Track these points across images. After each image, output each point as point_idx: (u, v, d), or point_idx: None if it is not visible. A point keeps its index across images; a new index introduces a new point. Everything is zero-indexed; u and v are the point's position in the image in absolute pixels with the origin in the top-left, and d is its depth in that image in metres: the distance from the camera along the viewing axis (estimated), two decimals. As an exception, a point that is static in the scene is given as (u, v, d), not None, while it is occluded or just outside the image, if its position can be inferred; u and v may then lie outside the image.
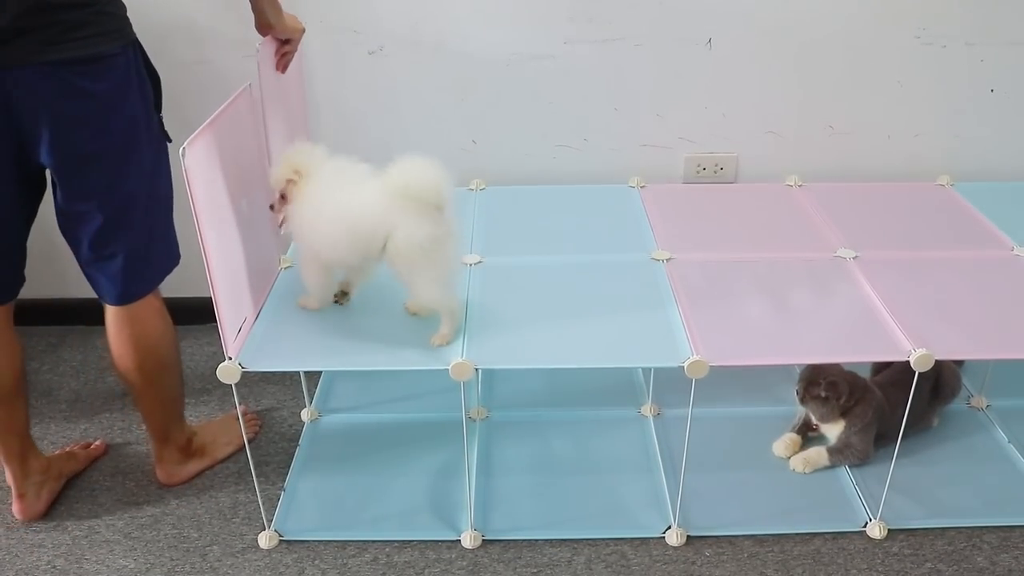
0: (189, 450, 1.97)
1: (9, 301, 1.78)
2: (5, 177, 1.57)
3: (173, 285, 2.27)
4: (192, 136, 1.42)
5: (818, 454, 1.94)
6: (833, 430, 1.93)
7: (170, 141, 1.71)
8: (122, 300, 1.73)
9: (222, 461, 2.02)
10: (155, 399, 1.87)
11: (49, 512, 1.88)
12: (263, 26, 1.77)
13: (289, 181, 1.62)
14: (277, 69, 1.88)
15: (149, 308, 1.77)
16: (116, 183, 1.61)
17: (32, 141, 1.53)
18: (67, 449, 2.03)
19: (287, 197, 1.64)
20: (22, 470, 1.85)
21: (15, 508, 1.87)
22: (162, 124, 1.70)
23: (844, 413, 1.90)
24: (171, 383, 1.88)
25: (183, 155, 1.37)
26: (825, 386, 1.87)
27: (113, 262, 1.67)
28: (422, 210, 1.53)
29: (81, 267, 1.71)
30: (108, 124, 1.56)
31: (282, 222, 1.66)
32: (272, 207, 1.67)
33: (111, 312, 1.75)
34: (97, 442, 2.07)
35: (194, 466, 1.98)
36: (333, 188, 1.60)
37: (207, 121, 1.51)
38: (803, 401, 1.92)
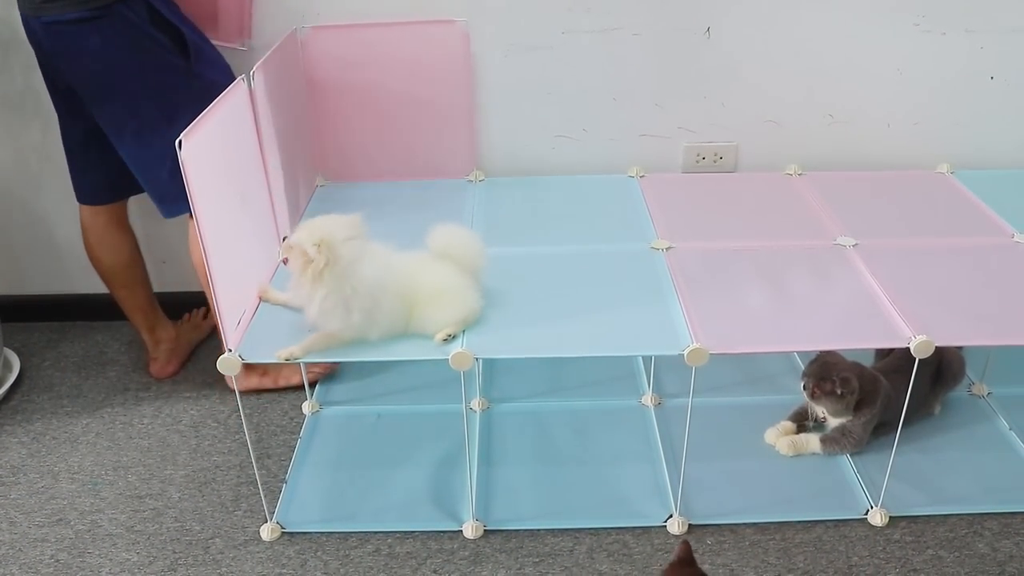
0: (255, 365, 2.05)
1: (114, 202, 2.12)
2: (59, 98, 1.92)
3: (177, 279, 2.32)
4: (188, 129, 1.42)
5: (807, 440, 1.94)
6: (838, 420, 1.92)
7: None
8: (168, 214, 1.96)
9: (282, 389, 2.19)
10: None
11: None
12: None
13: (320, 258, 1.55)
14: None
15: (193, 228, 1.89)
16: (126, 126, 1.73)
17: (60, 71, 1.84)
18: (188, 318, 2.37)
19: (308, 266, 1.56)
20: (152, 339, 2.26)
21: (151, 368, 2.28)
22: (188, 69, 1.83)
23: (856, 406, 1.89)
24: None
25: (179, 148, 1.37)
26: (839, 383, 1.84)
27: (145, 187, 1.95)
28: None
29: None
30: (106, 78, 1.80)
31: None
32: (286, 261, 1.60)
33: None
34: (201, 318, 2.39)
35: (255, 380, 2.18)
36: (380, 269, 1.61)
37: (203, 113, 1.51)
38: (814, 398, 1.89)
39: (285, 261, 1.61)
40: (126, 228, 2.17)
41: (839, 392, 1.85)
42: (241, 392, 2.14)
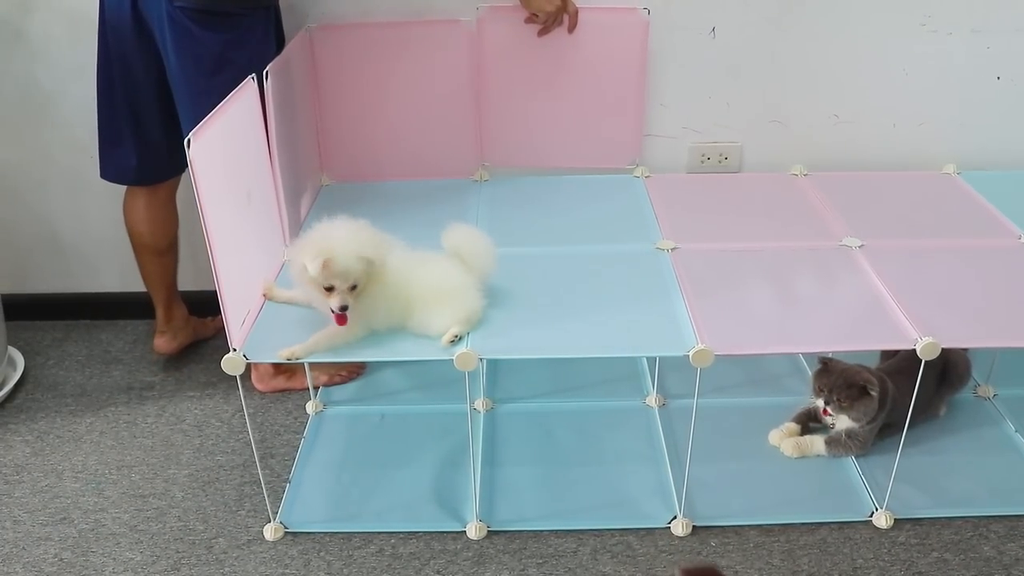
0: (281, 366, 2.14)
1: (168, 179, 2.11)
2: (148, 78, 1.92)
3: (183, 278, 2.32)
4: (197, 127, 1.42)
5: (811, 442, 1.94)
6: (846, 421, 1.90)
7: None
8: None
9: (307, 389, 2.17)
10: None
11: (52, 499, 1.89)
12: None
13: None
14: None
15: None
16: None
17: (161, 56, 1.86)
18: (204, 319, 2.41)
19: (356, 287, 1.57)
20: (166, 315, 2.28)
21: (156, 342, 2.30)
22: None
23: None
24: None
25: (188, 146, 1.37)
26: (877, 381, 1.82)
27: None
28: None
29: None
30: (212, 69, 1.80)
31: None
32: (343, 309, 1.56)
33: None
34: (210, 319, 2.41)
35: (281, 382, 2.19)
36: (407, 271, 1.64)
37: (212, 112, 1.51)
38: (843, 408, 1.84)
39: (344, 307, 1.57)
40: (175, 203, 2.18)
41: (872, 392, 1.83)
42: (266, 393, 2.19)
